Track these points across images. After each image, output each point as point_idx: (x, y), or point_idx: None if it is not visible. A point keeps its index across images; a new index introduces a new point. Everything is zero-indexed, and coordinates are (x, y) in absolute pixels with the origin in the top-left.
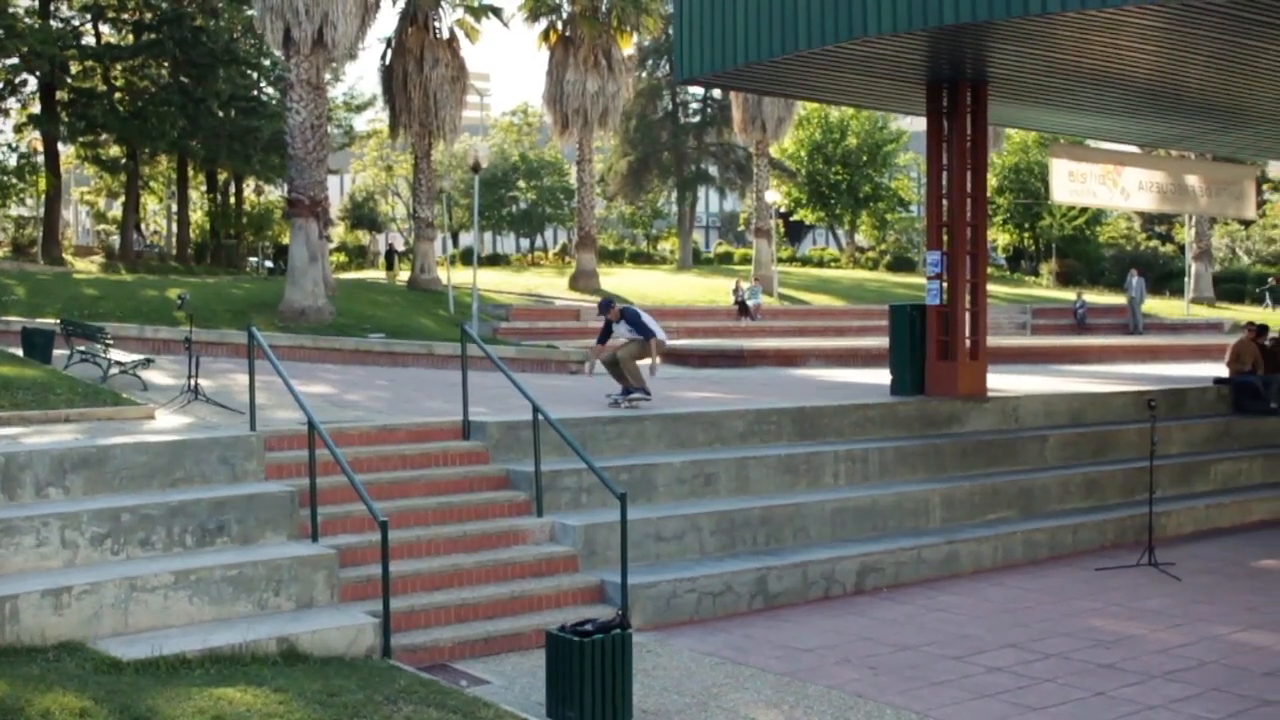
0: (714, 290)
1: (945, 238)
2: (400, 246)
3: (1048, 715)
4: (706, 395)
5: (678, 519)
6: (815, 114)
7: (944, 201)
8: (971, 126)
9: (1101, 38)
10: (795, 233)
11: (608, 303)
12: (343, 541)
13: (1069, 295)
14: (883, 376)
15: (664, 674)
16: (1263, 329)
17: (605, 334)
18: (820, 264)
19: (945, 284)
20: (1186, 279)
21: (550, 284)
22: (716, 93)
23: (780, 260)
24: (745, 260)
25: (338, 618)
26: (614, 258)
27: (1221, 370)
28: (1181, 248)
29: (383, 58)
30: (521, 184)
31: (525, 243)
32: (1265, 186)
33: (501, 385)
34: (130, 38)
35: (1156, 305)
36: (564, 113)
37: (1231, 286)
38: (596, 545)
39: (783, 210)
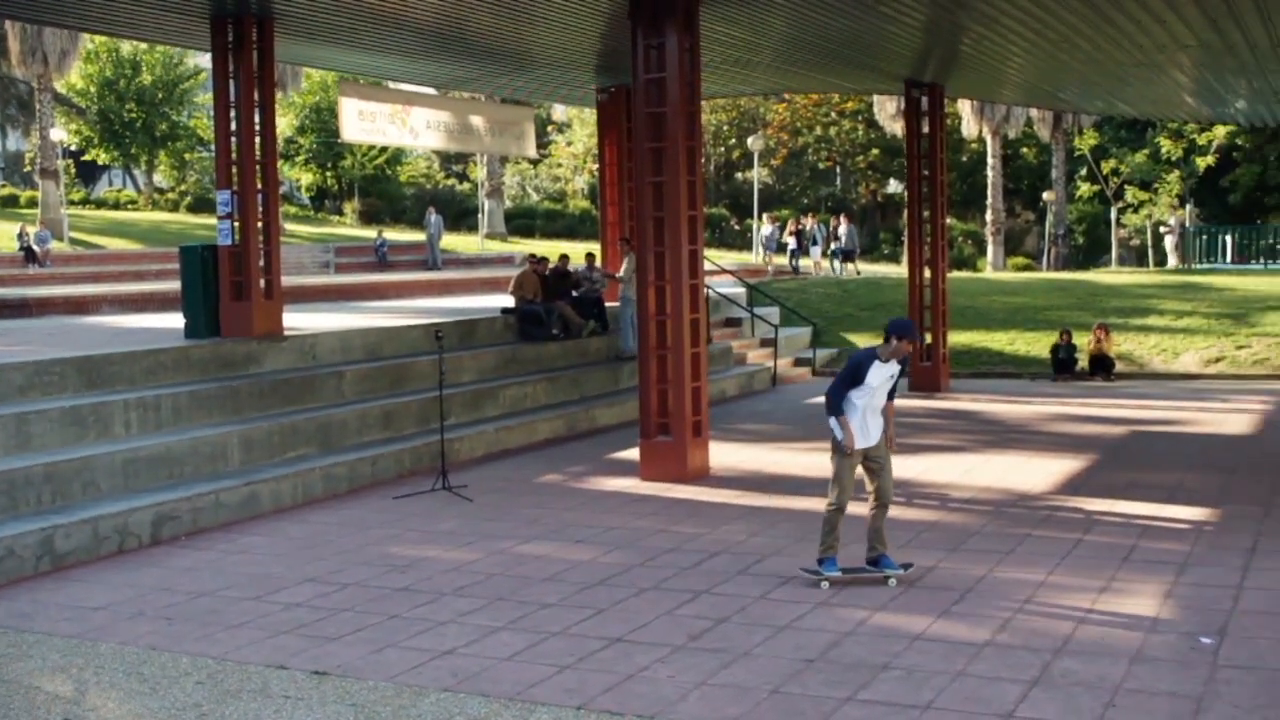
0: None
1: (236, 176)
2: None
3: (343, 644)
4: None
5: None
6: (105, 48)
7: (233, 139)
8: (259, 63)
9: None
10: (88, 173)
11: (906, 325)
12: None
13: (371, 233)
14: (179, 321)
15: None
16: (543, 260)
17: (850, 384)
18: (117, 206)
19: (237, 223)
20: (480, 215)
21: None
22: None
23: (72, 203)
24: (32, 203)
25: None
26: None
27: (508, 301)
28: (476, 186)
29: None
30: None
31: None
32: (550, 128)
33: None
34: None
35: (454, 241)
36: None
37: (522, 222)
38: None
39: (73, 149)
